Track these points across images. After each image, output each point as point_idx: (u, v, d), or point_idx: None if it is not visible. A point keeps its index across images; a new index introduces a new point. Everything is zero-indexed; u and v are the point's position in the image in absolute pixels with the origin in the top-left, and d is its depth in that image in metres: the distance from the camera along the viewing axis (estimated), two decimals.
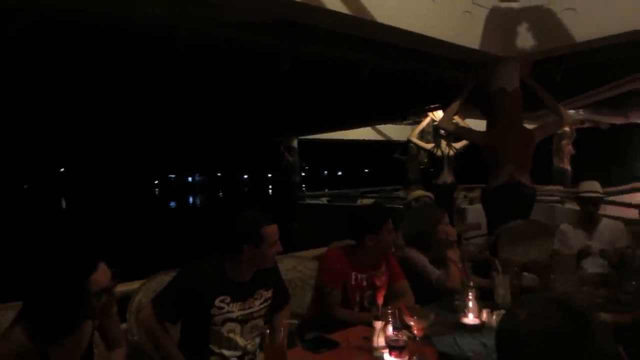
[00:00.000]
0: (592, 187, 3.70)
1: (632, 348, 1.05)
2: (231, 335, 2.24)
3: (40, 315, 1.65)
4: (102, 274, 1.72)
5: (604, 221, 3.76)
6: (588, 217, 3.73)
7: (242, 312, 2.26)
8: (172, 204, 44.06)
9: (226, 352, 2.24)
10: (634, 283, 2.77)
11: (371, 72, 6.17)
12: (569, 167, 9.80)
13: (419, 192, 4.67)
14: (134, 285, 2.65)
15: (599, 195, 3.68)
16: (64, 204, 45.53)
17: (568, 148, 9.78)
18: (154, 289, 2.53)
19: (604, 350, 0.87)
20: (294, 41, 4.73)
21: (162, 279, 2.58)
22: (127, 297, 2.55)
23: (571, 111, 7.48)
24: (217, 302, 2.20)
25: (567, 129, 9.08)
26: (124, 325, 2.34)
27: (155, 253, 10.66)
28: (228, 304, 2.22)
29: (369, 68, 5.89)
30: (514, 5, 4.65)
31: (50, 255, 1.74)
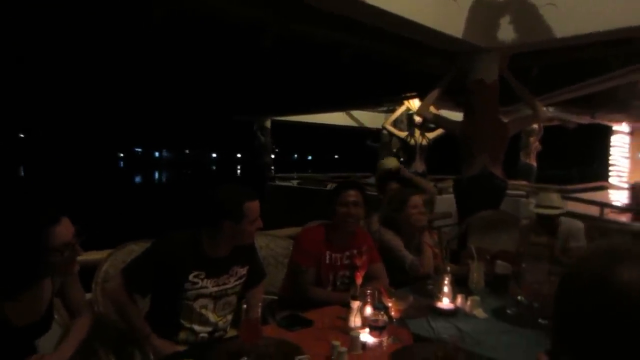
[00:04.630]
0: (551, 201, 3.52)
1: None
2: (203, 310, 2.18)
3: None
4: (64, 228, 1.66)
5: (563, 220, 3.63)
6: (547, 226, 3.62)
7: (216, 289, 2.20)
8: (137, 178, 43.24)
9: (197, 328, 2.17)
10: None
11: (352, 56, 6.12)
12: (535, 164, 9.99)
13: (391, 162, 4.66)
14: (101, 254, 2.52)
15: (557, 211, 3.51)
16: (22, 171, 44.10)
17: (535, 145, 9.94)
18: (122, 259, 2.43)
19: None
20: (278, 15, 4.62)
21: (131, 249, 2.49)
22: (93, 267, 2.43)
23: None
24: (191, 277, 2.12)
25: (535, 126, 9.23)
26: (89, 295, 2.24)
27: (119, 225, 10.42)
28: (202, 280, 2.15)
29: (351, 51, 5.84)
30: None
31: (8, 206, 1.66)
